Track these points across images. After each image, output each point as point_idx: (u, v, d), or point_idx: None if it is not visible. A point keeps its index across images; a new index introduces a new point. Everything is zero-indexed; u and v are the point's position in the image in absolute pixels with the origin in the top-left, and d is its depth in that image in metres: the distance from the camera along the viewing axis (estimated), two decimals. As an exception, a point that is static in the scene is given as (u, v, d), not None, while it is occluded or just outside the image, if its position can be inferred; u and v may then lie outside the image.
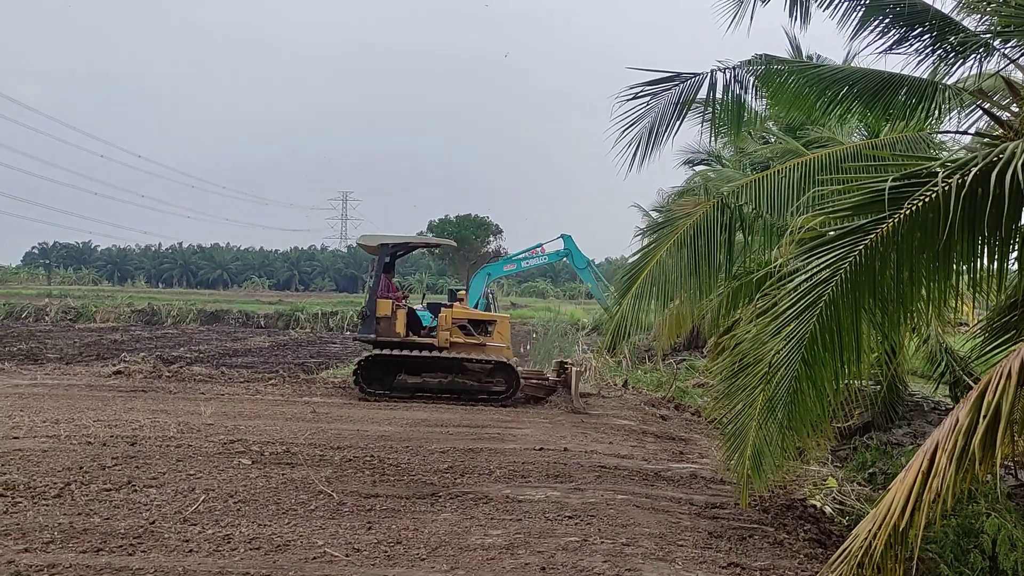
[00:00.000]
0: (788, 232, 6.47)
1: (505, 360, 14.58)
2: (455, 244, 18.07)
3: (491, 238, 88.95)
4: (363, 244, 15.66)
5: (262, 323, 37.43)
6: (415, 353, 14.47)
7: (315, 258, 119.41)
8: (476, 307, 22.63)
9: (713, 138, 8.81)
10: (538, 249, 24.57)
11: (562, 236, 24.31)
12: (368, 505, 7.44)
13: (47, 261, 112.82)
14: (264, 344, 27.63)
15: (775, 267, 6.26)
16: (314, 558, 5.94)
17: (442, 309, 15.29)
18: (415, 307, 16.18)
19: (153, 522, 6.60)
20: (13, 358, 20.13)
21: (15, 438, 9.54)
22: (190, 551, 5.99)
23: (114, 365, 17.64)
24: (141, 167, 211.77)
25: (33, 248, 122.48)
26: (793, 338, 5.24)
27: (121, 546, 6.02)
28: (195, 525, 6.58)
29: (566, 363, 15.46)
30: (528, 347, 23.26)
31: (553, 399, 14.53)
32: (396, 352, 14.45)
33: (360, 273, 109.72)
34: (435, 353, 14.51)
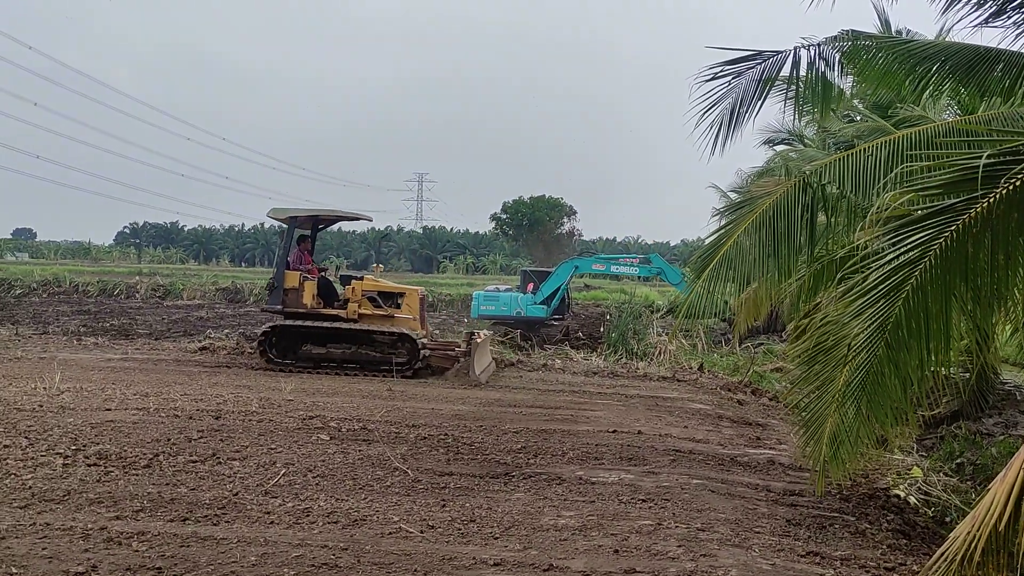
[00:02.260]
0: (873, 211, 6.24)
1: (407, 332, 14.63)
2: (371, 218, 17.94)
3: (565, 219, 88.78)
4: (273, 217, 15.76)
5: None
6: (318, 324, 14.71)
7: (391, 239, 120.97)
8: (558, 295, 22.68)
9: (797, 117, 8.56)
10: (632, 260, 24.83)
11: (649, 257, 24.51)
12: (442, 483, 7.53)
13: (138, 240, 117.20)
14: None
15: (858, 247, 6.05)
16: (390, 533, 6.05)
17: (352, 281, 15.41)
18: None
19: (236, 494, 6.81)
20: (106, 333, 21.01)
21: (108, 410, 9.96)
22: (271, 523, 6.16)
23: (200, 341, 18.25)
24: (226, 149, 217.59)
25: (125, 228, 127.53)
26: (875, 321, 5.06)
27: (206, 516, 6.23)
28: (276, 498, 6.77)
29: (477, 334, 15.52)
30: (602, 329, 23.12)
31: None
32: (300, 323, 14.70)
33: (435, 254, 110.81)
34: (338, 324, 14.71)
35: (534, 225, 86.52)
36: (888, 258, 4.93)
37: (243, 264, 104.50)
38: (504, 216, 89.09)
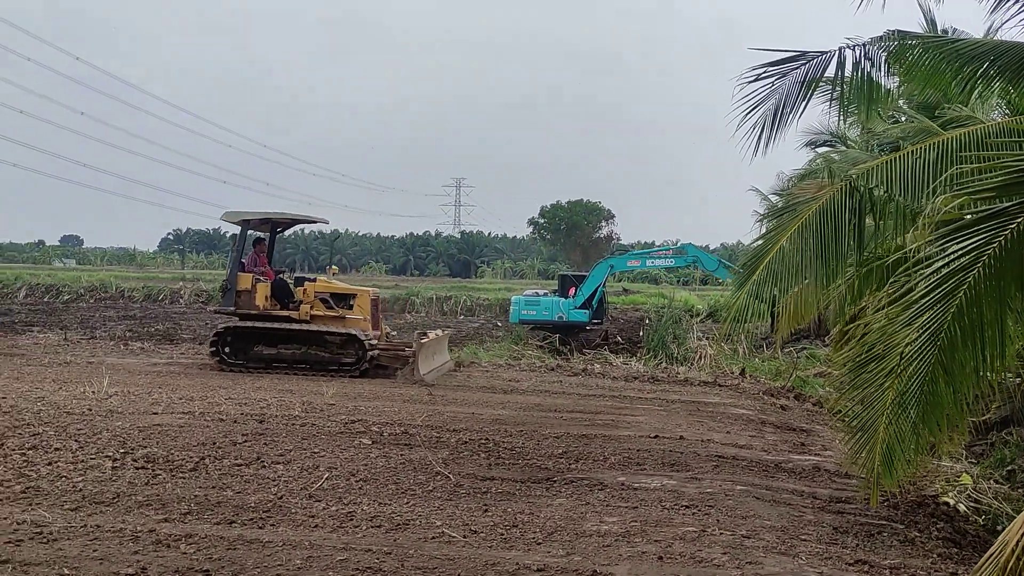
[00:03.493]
0: (923, 215, 6.13)
1: (355, 333, 14.73)
2: (328, 221, 18.00)
3: (603, 223, 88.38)
4: (226, 220, 15.94)
5: (380, 307, 38.49)
6: (270, 325, 14.88)
7: (429, 244, 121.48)
8: (594, 296, 22.48)
9: (842, 119, 8.43)
10: (666, 252, 24.45)
11: (684, 246, 24.08)
12: (484, 488, 7.53)
13: (181, 247, 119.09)
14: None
15: (908, 252, 5.93)
16: (433, 538, 6.07)
17: (305, 283, 15.61)
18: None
19: (281, 497, 6.89)
20: (151, 338, 21.40)
21: (154, 413, 10.14)
22: (315, 526, 6.22)
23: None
24: (266, 156, 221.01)
25: (168, 235, 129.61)
26: (927, 329, 4.95)
27: (252, 519, 6.31)
28: (319, 501, 6.83)
29: (427, 334, 15.68)
30: (641, 333, 22.98)
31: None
32: (252, 324, 14.88)
33: (473, 258, 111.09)
34: (289, 325, 14.86)
35: (572, 229, 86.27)
36: (939, 264, 4.83)
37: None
38: (542, 220, 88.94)
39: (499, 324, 30.37)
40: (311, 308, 15.15)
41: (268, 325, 14.96)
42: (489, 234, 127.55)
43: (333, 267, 17.19)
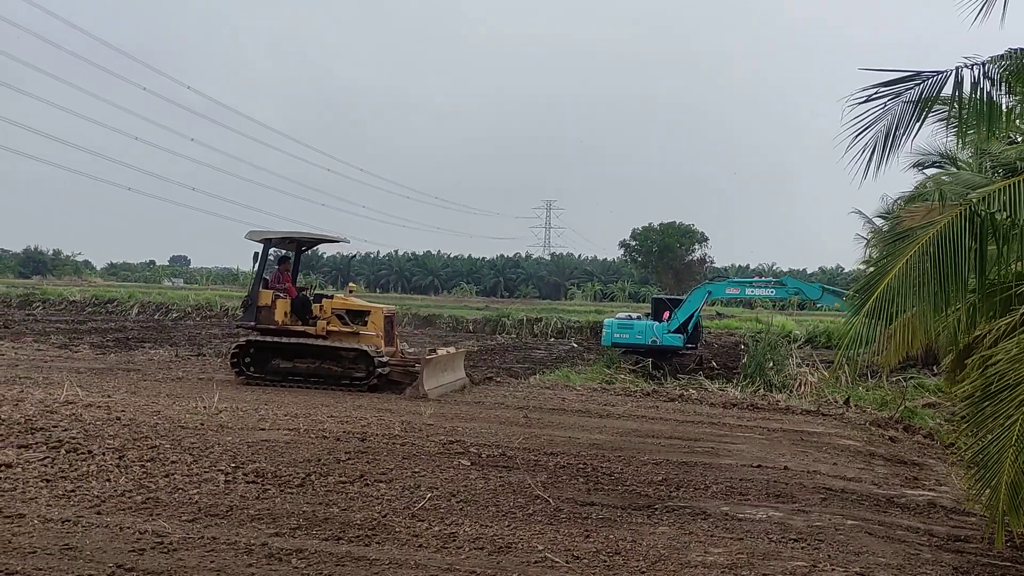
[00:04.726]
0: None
1: (365, 348, 15.15)
2: (348, 241, 18.17)
3: (696, 246, 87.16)
4: (250, 238, 16.19)
5: (471, 328, 38.79)
6: (286, 340, 15.39)
7: (520, 265, 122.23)
8: (691, 321, 22.13)
9: (961, 141, 8.12)
10: (767, 283, 24.09)
11: (783, 279, 23.69)
12: (584, 513, 7.48)
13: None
14: (473, 348, 28.61)
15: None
16: (535, 562, 6.05)
17: (323, 300, 16.03)
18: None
19: (385, 515, 7.00)
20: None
21: (262, 429, 10.47)
22: (419, 546, 6.29)
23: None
24: (363, 180, 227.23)
25: (269, 255, 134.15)
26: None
27: (358, 536, 6.43)
28: (422, 521, 6.91)
29: (435, 351, 16.17)
30: (741, 359, 22.51)
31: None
32: (271, 339, 15.44)
33: (563, 280, 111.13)
34: (305, 340, 15.32)
35: (664, 252, 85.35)
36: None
37: (378, 290, 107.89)
38: (633, 243, 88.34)
39: (589, 347, 30.23)
40: (328, 324, 15.69)
41: (286, 340, 15.55)
42: (579, 256, 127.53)
43: (351, 284, 17.67)
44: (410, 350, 17.92)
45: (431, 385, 14.93)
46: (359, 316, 16.00)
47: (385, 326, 15.87)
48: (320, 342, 15.42)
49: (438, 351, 16.42)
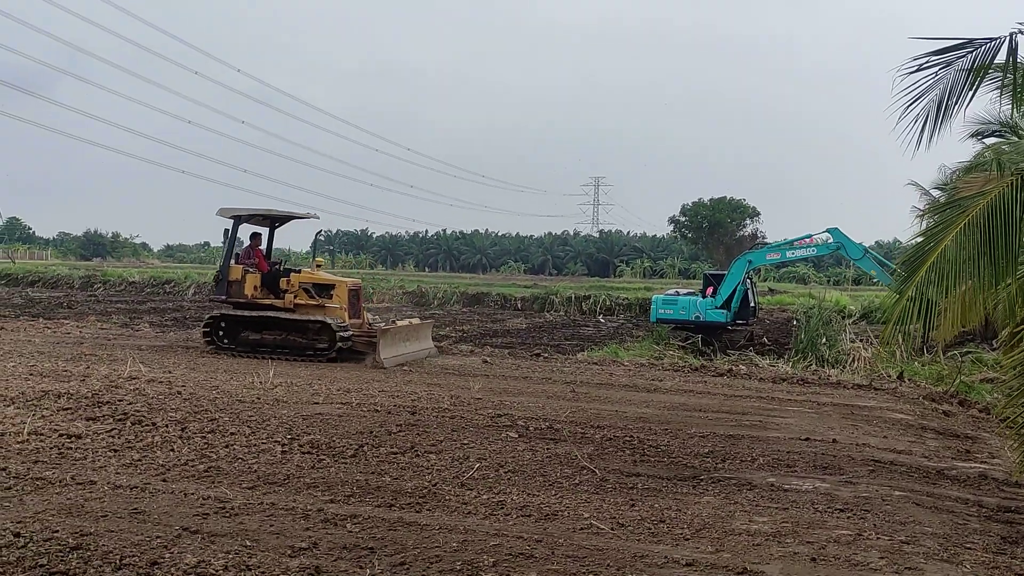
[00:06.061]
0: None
1: (329, 321, 15.54)
2: (318, 216, 18.30)
3: (747, 221, 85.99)
4: (220, 215, 16.55)
5: (519, 306, 38.92)
6: (255, 313, 15.97)
7: (568, 243, 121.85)
8: (736, 296, 21.92)
9: (1016, 107, 7.96)
10: (806, 240, 23.06)
11: (829, 230, 22.63)
12: (630, 483, 7.60)
13: (331, 247, 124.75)
14: (521, 326, 28.77)
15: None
16: (581, 529, 6.20)
17: (291, 274, 16.48)
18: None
19: (435, 484, 7.21)
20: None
21: (315, 403, 10.79)
22: (468, 513, 6.48)
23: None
24: (411, 160, 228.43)
25: (319, 235, 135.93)
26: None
27: (409, 503, 6.65)
28: (471, 490, 7.10)
29: (395, 322, 17.06)
30: (792, 334, 22.27)
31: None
32: (241, 312, 16.12)
33: (612, 258, 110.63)
34: (273, 313, 15.83)
35: (714, 227, 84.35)
36: None
37: (426, 269, 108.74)
38: (683, 219, 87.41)
39: (638, 324, 30.19)
40: (295, 297, 16.17)
41: (255, 313, 16.06)
42: (628, 233, 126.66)
43: (319, 259, 17.94)
44: (377, 321, 18.28)
45: (388, 355, 15.48)
46: (325, 289, 16.53)
47: (350, 299, 16.47)
48: (286, 315, 15.96)
49: (398, 322, 17.19)
